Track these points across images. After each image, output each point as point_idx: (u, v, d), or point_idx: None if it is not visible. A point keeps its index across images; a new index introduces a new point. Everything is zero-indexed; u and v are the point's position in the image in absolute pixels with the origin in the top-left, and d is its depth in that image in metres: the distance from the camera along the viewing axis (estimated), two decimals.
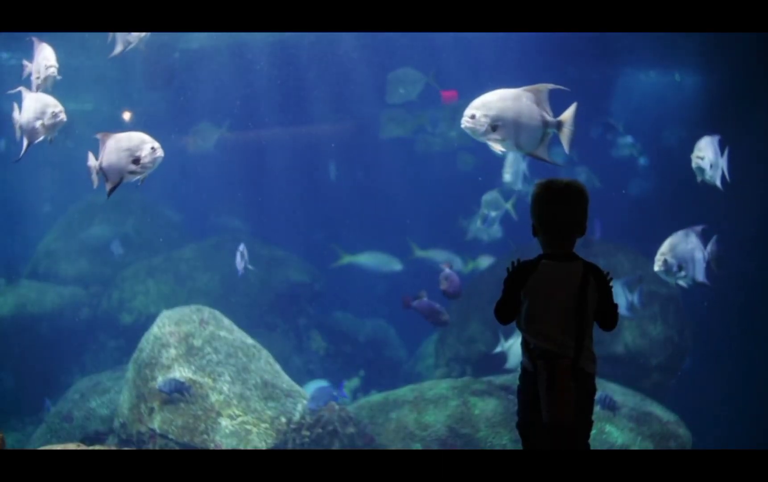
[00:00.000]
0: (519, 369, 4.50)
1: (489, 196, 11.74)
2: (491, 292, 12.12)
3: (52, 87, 7.17)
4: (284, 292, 15.10)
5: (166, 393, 9.06)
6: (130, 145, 6.40)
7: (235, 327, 10.13)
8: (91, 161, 6.69)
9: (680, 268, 7.78)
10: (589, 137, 15.96)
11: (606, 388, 9.46)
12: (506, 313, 4.35)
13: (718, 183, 8.07)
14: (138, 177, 6.45)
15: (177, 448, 8.73)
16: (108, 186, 6.51)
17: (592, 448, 4.38)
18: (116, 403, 10.09)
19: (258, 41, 13.81)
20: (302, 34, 13.02)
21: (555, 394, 4.07)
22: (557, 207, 4.25)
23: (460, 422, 9.14)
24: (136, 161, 6.35)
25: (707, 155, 7.96)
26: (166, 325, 9.73)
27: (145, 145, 6.39)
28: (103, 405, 11.12)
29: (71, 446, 6.88)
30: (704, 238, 8.07)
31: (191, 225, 18.25)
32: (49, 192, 20.67)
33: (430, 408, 9.38)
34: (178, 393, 9.07)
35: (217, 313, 10.18)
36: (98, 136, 6.61)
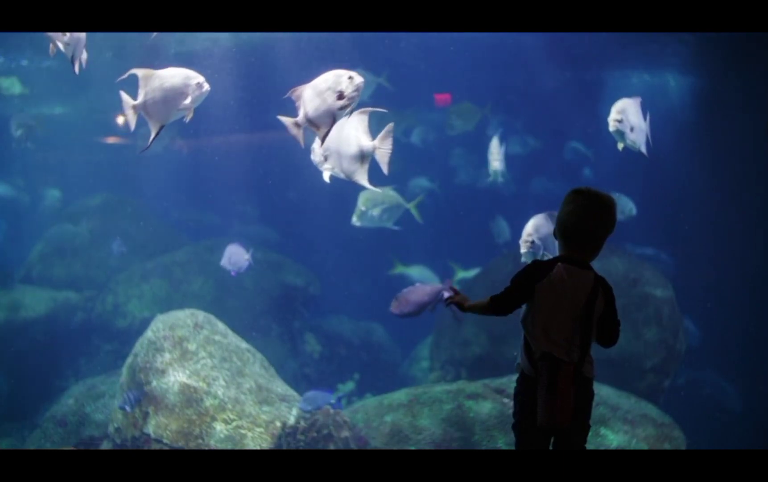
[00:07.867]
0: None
1: (369, 192, 10.21)
2: (484, 294, 12.13)
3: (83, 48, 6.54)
4: (279, 295, 15.04)
5: (129, 409, 9.08)
6: (329, 83, 5.89)
7: (229, 331, 10.12)
8: (127, 101, 6.24)
9: (545, 249, 7.39)
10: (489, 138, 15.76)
11: (600, 390, 9.46)
12: (508, 303, 4.34)
13: (643, 149, 7.63)
14: (347, 111, 5.92)
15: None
16: (320, 133, 5.99)
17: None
18: (111, 408, 10.06)
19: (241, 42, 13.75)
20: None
21: (555, 398, 4.07)
22: (584, 214, 4.25)
23: (455, 425, 9.14)
24: (341, 95, 5.85)
25: (626, 117, 7.37)
26: (161, 329, 9.71)
27: (342, 77, 5.87)
28: (97, 410, 11.08)
29: None
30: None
31: (224, 230, 18.15)
32: (44, 194, 20.55)
33: (425, 411, 9.37)
34: (138, 402, 9.10)
35: (212, 317, 10.16)
36: (292, 95, 6.04)
